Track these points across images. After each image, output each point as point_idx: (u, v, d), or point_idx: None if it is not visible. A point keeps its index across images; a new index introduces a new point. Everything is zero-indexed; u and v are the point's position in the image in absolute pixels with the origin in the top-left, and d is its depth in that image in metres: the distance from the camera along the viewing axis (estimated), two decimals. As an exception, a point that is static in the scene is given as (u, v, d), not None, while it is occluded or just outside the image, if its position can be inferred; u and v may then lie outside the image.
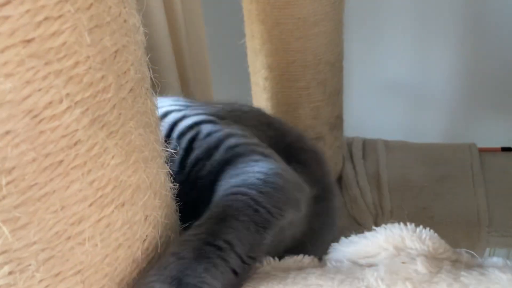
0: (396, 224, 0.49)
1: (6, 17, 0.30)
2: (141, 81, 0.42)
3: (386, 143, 1.60)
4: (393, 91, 1.85)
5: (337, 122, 1.43)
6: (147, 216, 0.44)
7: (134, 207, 0.42)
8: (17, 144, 0.33)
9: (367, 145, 1.60)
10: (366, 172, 1.47)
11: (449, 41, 1.73)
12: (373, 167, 1.50)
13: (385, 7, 1.69)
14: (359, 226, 1.28)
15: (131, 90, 0.40)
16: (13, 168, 0.33)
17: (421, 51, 1.78)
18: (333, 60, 1.27)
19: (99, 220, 0.39)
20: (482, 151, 1.58)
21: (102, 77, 0.36)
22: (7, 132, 0.32)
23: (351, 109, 1.60)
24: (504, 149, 1.60)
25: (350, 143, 1.60)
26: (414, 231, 0.49)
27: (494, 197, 1.37)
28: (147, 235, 0.44)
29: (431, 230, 0.50)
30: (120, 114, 0.39)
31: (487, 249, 1.37)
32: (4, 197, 0.33)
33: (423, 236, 0.48)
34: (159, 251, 0.47)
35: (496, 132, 1.78)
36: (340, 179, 1.45)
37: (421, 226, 0.50)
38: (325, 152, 1.27)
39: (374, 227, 0.51)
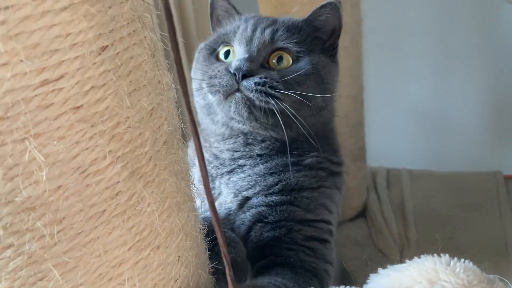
0: (429, 257, 0.50)
1: (60, 89, 0.34)
2: (173, 133, 0.46)
3: (410, 173, 1.61)
4: (416, 120, 1.86)
5: (360, 153, 1.45)
6: (179, 257, 0.48)
7: (168, 249, 0.46)
8: (67, 197, 0.37)
9: (391, 175, 1.61)
10: (391, 202, 1.48)
11: (472, 69, 1.74)
12: (397, 197, 1.50)
13: (407, 35, 1.72)
14: (384, 257, 1.29)
15: (165, 142, 0.44)
16: (63, 218, 0.37)
17: (443, 79, 1.79)
18: (354, 93, 1.30)
19: (137, 262, 0.43)
20: (508, 178, 1.57)
21: (140, 134, 0.41)
22: (59, 187, 0.37)
23: (375, 139, 1.62)
24: (530, 176, 1.59)
25: (374, 173, 1.61)
26: (448, 264, 0.48)
27: (521, 225, 1.36)
28: (179, 275, 0.48)
29: (466, 261, 0.49)
30: (155, 165, 0.43)
31: (517, 279, 1.35)
32: (55, 244, 0.37)
33: (457, 269, 0.47)
34: (190, 289, 0.50)
35: None
36: (364, 209, 1.46)
37: (455, 258, 0.50)
38: (349, 183, 1.29)
39: (406, 260, 0.51)
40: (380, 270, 0.53)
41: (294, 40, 0.73)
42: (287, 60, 0.72)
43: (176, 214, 0.47)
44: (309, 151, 0.75)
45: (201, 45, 0.78)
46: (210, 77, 0.68)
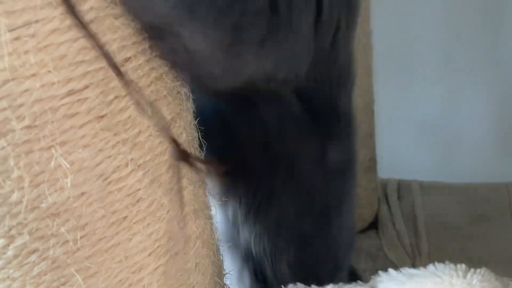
0: (445, 267, 0.49)
1: (85, 99, 0.36)
2: (191, 142, 0.48)
3: (421, 184, 1.61)
4: (427, 131, 1.87)
5: (371, 164, 1.46)
6: (197, 264, 0.49)
7: (186, 256, 0.47)
8: (90, 204, 0.38)
9: (402, 187, 1.61)
10: (402, 214, 1.48)
11: (481, 80, 1.74)
12: (408, 209, 1.50)
13: (417, 48, 1.74)
14: (396, 269, 1.29)
15: (183, 151, 0.45)
16: (86, 224, 0.39)
17: (453, 91, 1.80)
18: (364, 105, 1.31)
19: (156, 268, 0.44)
20: (520, 189, 1.57)
21: (160, 142, 0.42)
22: (82, 194, 0.38)
23: (385, 150, 1.62)
24: (543, 187, 1.59)
25: (384, 185, 1.61)
26: (464, 277, 0.48)
27: (534, 237, 1.36)
28: (197, 282, 0.49)
29: (482, 271, 0.49)
30: (174, 173, 0.44)
31: (531, 291, 1.34)
32: (78, 249, 0.38)
33: (474, 281, 0.48)
34: (207, 296, 0.51)
35: None
36: (375, 221, 1.47)
37: (471, 270, 0.49)
38: (360, 195, 1.29)
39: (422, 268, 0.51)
40: (391, 271, 0.53)
41: None
42: None
43: (194, 221, 0.48)
44: None
45: None
46: None
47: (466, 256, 1.33)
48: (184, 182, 0.45)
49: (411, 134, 1.86)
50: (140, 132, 0.40)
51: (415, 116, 1.85)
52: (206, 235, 0.51)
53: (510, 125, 1.79)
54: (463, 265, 0.49)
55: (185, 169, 0.45)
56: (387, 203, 1.54)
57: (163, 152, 0.43)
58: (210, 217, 0.53)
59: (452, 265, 0.49)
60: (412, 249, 1.35)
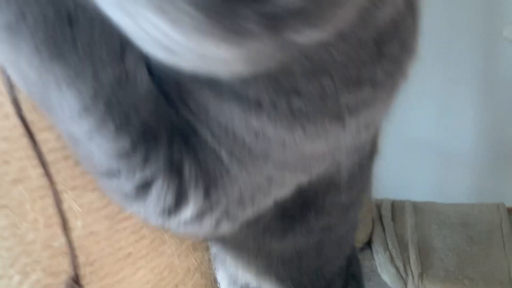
0: None
1: (95, 148, 0.39)
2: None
3: (415, 205, 1.65)
4: (421, 151, 1.91)
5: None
6: (195, 293, 0.52)
7: (185, 286, 0.50)
8: (98, 242, 0.42)
9: (396, 207, 1.65)
10: (396, 234, 1.51)
11: (475, 103, 1.79)
12: (402, 229, 1.54)
13: (411, 71, 1.79)
14: (390, 290, 1.32)
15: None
16: (95, 260, 0.42)
17: (446, 113, 1.85)
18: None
19: (158, 300, 0.47)
20: (511, 210, 1.61)
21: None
22: (91, 233, 0.41)
23: (379, 170, 1.66)
24: (533, 208, 1.63)
25: (379, 205, 1.65)
26: None
27: (525, 256, 1.39)
28: (195, 310, 0.52)
29: None
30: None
31: (521, 310, 1.37)
32: (87, 284, 0.42)
33: None
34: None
35: None
36: (369, 241, 1.50)
37: None
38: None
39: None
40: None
41: None
42: None
43: (193, 254, 0.51)
44: None
45: None
46: None
47: (458, 277, 1.37)
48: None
49: (406, 154, 1.90)
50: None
51: (410, 138, 1.89)
52: (204, 266, 0.54)
53: (502, 148, 1.83)
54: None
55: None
56: (381, 223, 1.58)
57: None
58: (207, 248, 0.56)
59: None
60: (405, 270, 1.38)
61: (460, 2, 1.64)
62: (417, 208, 1.64)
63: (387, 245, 1.46)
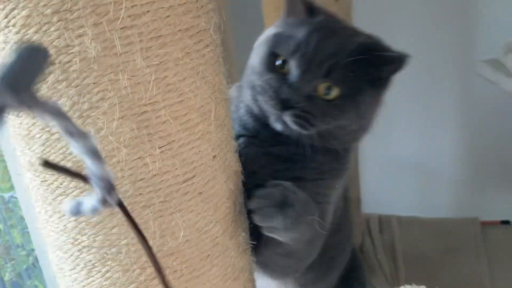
0: None
1: (193, 183, 0.59)
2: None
3: (399, 219, 1.85)
4: (405, 169, 2.04)
5: (357, 202, 1.69)
6: (245, 286, 0.71)
7: (240, 281, 0.69)
8: (191, 247, 0.61)
9: (383, 221, 1.85)
10: (383, 246, 1.71)
11: (453, 125, 1.95)
12: (389, 241, 1.74)
13: (395, 97, 1.94)
14: (380, 293, 1.51)
15: (240, 204, 0.68)
16: (187, 260, 0.61)
17: (427, 134, 1.99)
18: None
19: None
20: (484, 224, 1.80)
21: (228, 206, 0.65)
22: (187, 241, 0.60)
23: (367, 187, 1.83)
24: (503, 222, 1.83)
25: (367, 219, 1.85)
26: None
27: (495, 266, 1.59)
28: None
29: None
30: (236, 225, 0.67)
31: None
32: (181, 276, 0.61)
33: None
34: None
35: (497, 206, 1.97)
36: (360, 252, 1.69)
37: None
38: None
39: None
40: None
41: (348, 80, 0.73)
42: (336, 92, 0.72)
43: (244, 256, 0.70)
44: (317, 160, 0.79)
45: (269, 33, 0.80)
46: (262, 87, 0.75)
47: (437, 283, 1.56)
48: (240, 231, 0.68)
49: (391, 173, 2.06)
50: (219, 200, 0.63)
51: (394, 158, 2.04)
52: (249, 266, 0.73)
53: (477, 168, 1.99)
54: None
55: (240, 221, 0.68)
56: (370, 236, 1.77)
57: (230, 212, 0.65)
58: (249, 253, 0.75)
59: (423, 287, 0.72)
60: (392, 276, 1.58)
61: (441, 35, 1.81)
62: (402, 221, 1.84)
63: (376, 254, 1.66)
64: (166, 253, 0.59)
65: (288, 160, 0.77)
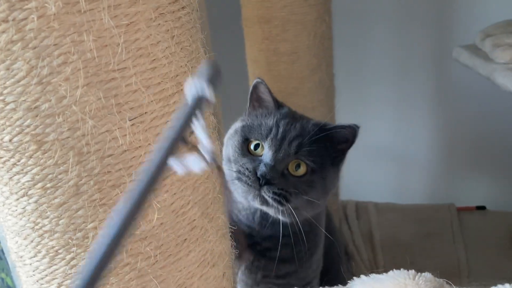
0: (401, 272, 0.70)
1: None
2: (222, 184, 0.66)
3: (376, 205, 1.83)
4: (381, 157, 2.06)
5: (335, 190, 1.66)
6: (224, 273, 0.67)
7: (219, 267, 0.65)
8: (166, 230, 0.56)
9: (360, 208, 1.82)
10: (360, 232, 1.69)
11: (428, 112, 1.96)
12: (366, 227, 1.72)
13: (372, 83, 1.94)
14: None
15: (219, 191, 0.63)
16: (162, 244, 0.56)
17: (403, 122, 1.99)
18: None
19: (201, 276, 0.61)
20: (460, 210, 1.81)
21: (207, 186, 0.60)
22: (161, 224, 0.55)
23: (343, 174, 1.81)
24: (479, 208, 1.84)
25: (344, 206, 1.82)
26: (414, 279, 0.69)
27: (472, 250, 1.59)
28: (224, 286, 0.66)
29: (426, 275, 0.69)
30: (214, 207, 0.62)
31: (468, 298, 1.57)
32: (155, 262, 0.56)
33: (420, 281, 0.68)
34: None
35: (472, 192, 2.00)
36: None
37: (419, 274, 0.70)
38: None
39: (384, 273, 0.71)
40: (362, 276, 0.72)
41: (313, 156, 0.86)
42: (303, 169, 0.86)
43: (224, 241, 0.65)
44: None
45: (237, 125, 0.93)
46: (239, 171, 0.85)
47: (415, 268, 1.54)
48: (219, 213, 0.63)
49: (368, 160, 2.05)
50: (197, 180, 0.58)
51: (371, 143, 2.02)
52: (229, 251, 0.69)
53: (453, 155, 2.01)
54: (413, 271, 0.69)
55: (219, 204, 0.63)
56: (347, 222, 1.75)
57: (209, 192, 0.60)
58: (229, 238, 0.71)
59: (406, 271, 0.69)
60: (370, 263, 1.55)
61: (417, 22, 1.81)
62: (379, 208, 1.82)
63: (354, 241, 1.64)
64: (139, 238, 0.54)
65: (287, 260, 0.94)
